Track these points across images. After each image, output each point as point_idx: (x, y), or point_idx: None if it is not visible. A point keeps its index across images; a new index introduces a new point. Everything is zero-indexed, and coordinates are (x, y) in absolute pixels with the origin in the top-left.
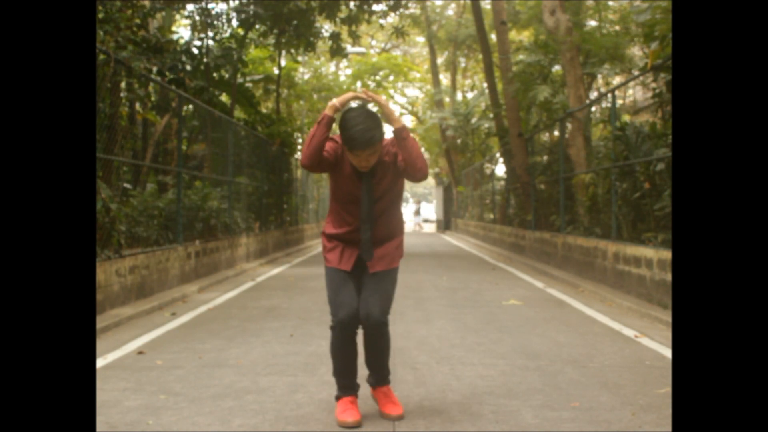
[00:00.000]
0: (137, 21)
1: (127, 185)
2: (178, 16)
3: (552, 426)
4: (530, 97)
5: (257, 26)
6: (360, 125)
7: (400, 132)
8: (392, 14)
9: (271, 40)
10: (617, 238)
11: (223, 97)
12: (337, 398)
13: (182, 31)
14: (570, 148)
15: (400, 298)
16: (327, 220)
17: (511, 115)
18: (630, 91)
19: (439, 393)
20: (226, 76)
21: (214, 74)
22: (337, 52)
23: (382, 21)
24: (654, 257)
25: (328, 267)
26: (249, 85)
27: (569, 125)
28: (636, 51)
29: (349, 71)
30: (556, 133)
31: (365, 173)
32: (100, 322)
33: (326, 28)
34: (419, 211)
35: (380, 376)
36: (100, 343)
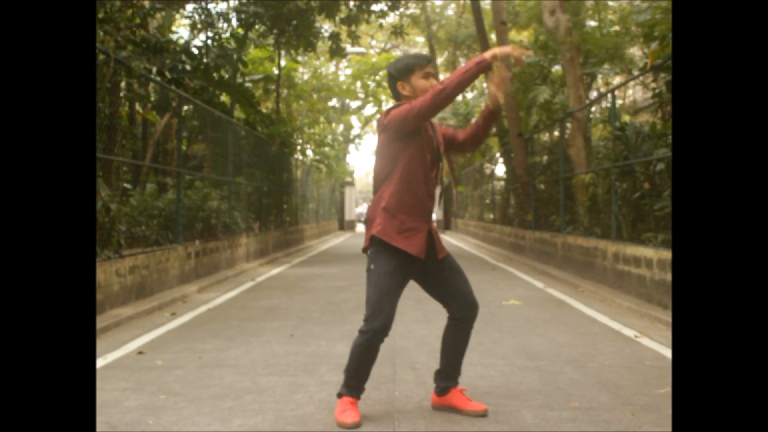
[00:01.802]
0: (137, 21)
1: (127, 185)
2: (177, 16)
3: (552, 426)
4: (530, 98)
5: (257, 26)
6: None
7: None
8: (392, 14)
9: (271, 40)
10: (617, 238)
11: (223, 97)
12: (339, 396)
13: (182, 31)
14: (570, 148)
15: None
16: (392, 199)
17: (511, 115)
18: (630, 91)
19: None
20: (226, 76)
21: (214, 74)
22: (336, 52)
23: (381, 21)
24: (654, 257)
25: (387, 253)
26: (249, 85)
27: (569, 125)
28: (636, 51)
29: (348, 71)
30: (556, 133)
31: (435, 137)
32: (100, 322)
33: (326, 28)
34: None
35: (455, 376)
36: (100, 343)
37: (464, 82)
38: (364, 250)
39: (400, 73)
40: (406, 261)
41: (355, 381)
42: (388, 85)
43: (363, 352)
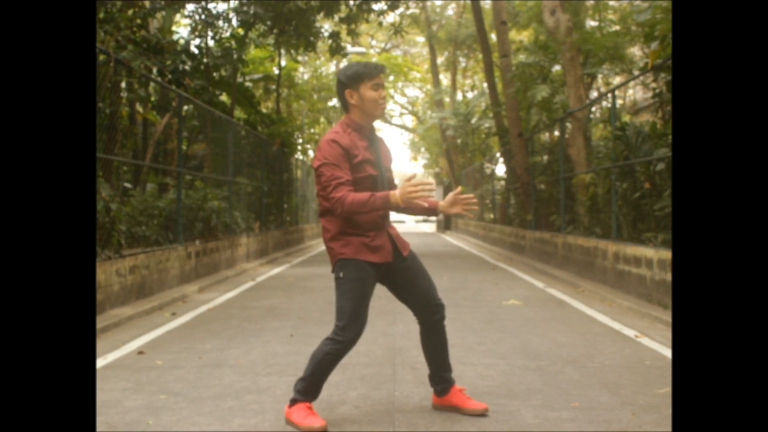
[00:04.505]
0: (137, 21)
1: (127, 185)
2: (178, 16)
3: (552, 426)
4: (530, 97)
5: (257, 26)
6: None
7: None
8: (391, 13)
9: (271, 40)
10: (617, 238)
11: (223, 97)
12: (294, 402)
13: (182, 31)
14: (570, 148)
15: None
16: (339, 225)
17: (511, 114)
18: (630, 91)
19: None
20: (226, 76)
21: (214, 74)
22: (336, 51)
23: (381, 20)
24: (654, 257)
25: (355, 262)
26: (249, 85)
27: (569, 125)
28: (636, 51)
29: None
30: (556, 133)
31: (371, 143)
32: (100, 322)
33: (326, 27)
34: None
35: (448, 376)
36: (100, 343)
37: (372, 211)
38: (334, 271)
39: (350, 80)
40: (375, 267)
41: (316, 388)
42: (336, 92)
43: (332, 360)
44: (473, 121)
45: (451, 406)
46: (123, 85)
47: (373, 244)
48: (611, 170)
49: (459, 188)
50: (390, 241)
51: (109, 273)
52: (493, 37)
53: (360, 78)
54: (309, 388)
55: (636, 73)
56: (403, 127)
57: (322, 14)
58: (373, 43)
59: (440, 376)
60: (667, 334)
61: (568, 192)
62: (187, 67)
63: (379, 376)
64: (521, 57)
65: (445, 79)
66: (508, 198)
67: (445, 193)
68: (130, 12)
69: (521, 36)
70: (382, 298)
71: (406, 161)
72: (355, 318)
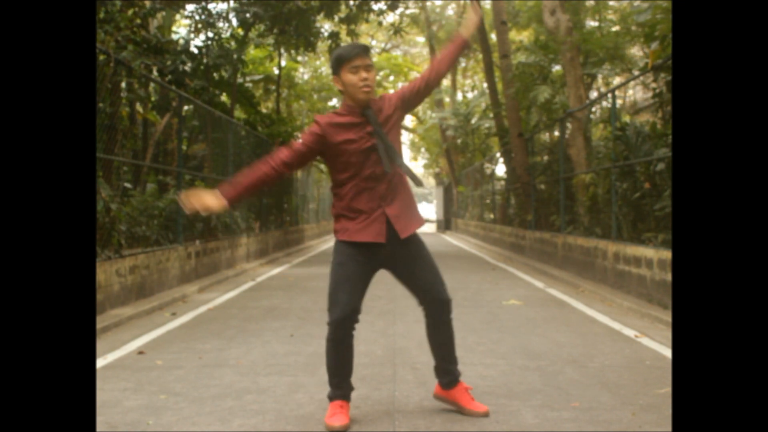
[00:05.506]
0: (137, 21)
1: (127, 185)
2: (178, 16)
3: (552, 426)
4: (531, 98)
5: (257, 26)
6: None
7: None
8: (391, 13)
9: (271, 40)
10: (617, 238)
11: (223, 97)
12: (330, 399)
13: (182, 30)
14: (570, 148)
15: (400, 297)
16: (335, 208)
17: (511, 115)
18: (630, 91)
19: None
20: (226, 76)
21: (214, 74)
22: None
23: (381, 20)
24: (654, 257)
25: (341, 243)
26: (249, 85)
27: (569, 125)
28: (636, 51)
29: None
30: (556, 133)
31: (374, 127)
32: (100, 322)
33: (326, 27)
34: None
35: (454, 369)
36: (100, 343)
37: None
38: None
39: (333, 67)
40: (365, 249)
41: (336, 378)
42: None
43: (331, 345)
44: (473, 121)
45: (453, 402)
46: (123, 85)
47: (358, 226)
48: (611, 170)
49: None
50: (384, 221)
51: (109, 273)
52: (493, 37)
53: (340, 62)
54: (331, 380)
55: (636, 73)
56: (402, 127)
57: (322, 14)
58: (374, 43)
59: (445, 369)
60: (667, 334)
61: (568, 192)
62: (187, 68)
63: (379, 376)
64: (521, 57)
65: (445, 79)
66: (508, 198)
67: (445, 193)
68: (130, 12)
69: (521, 36)
70: (382, 298)
71: (406, 161)
72: (334, 300)
